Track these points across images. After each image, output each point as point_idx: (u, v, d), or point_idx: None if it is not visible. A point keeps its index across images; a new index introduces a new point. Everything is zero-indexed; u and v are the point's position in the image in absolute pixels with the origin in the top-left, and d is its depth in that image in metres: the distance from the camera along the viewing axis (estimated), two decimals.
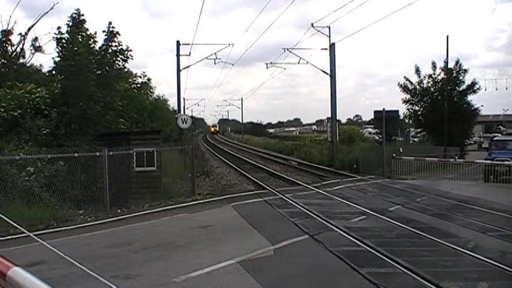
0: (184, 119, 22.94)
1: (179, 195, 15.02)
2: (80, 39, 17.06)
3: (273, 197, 15.21)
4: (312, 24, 27.75)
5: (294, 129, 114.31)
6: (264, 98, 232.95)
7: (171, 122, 28.94)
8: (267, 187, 17.73)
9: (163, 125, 27.31)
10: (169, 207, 13.45)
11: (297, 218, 11.38)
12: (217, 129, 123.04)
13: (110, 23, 18.04)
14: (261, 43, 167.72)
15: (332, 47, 28.36)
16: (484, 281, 6.70)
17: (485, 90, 35.68)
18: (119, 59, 18.28)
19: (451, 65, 32.31)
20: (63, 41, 17.06)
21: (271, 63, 33.22)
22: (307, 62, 30.43)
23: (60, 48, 17.16)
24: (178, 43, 28.76)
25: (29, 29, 21.68)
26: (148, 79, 23.05)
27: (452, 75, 32.77)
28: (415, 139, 39.81)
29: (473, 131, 39.86)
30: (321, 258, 7.89)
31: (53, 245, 3.55)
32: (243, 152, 44.94)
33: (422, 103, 33.91)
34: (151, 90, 31.47)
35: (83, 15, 18.12)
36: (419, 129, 37.83)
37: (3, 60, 20.37)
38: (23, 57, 22.18)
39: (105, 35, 17.92)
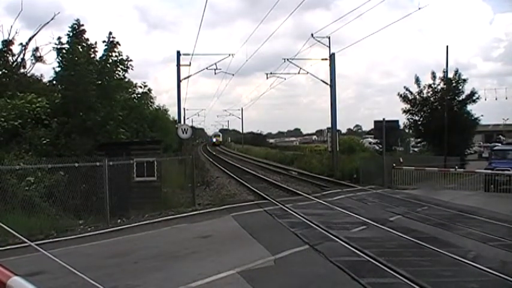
0: (184, 129, 22.90)
1: (179, 205, 14.99)
2: (80, 50, 17.13)
3: (273, 207, 15.18)
4: (312, 35, 27.93)
5: (294, 139, 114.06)
6: (264, 108, 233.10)
7: (172, 132, 28.90)
8: (267, 197, 17.72)
9: (163, 135, 27.29)
10: (169, 217, 13.46)
11: (297, 228, 11.36)
12: (220, 139, 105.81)
13: (110, 33, 18.15)
14: (261, 53, 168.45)
15: (332, 57, 28.46)
16: None
17: (485, 99, 35.77)
18: (119, 69, 18.33)
19: (450, 74, 32.42)
20: (64, 51, 17.13)
21: (271, 73, 33.31)
22: (307, 72, 30.62)
23: (60, 59, 17.23)
24: (178, 53, 28.86)
25: (30, 39, 21.85)
26: (149, 89, 23.05)
27: (452, 85, 32.86)
28: (415, 149, 39.72)
29: (473, 140, 39.85)
30: (321, 269, 7.86)
31: (52, 255, 3.54)
32: (243, 162, 44.92)
33: (422, 113, 33.98)
34: (151, 101, 31.50)
35: (82, 25, 18.28)
36: (419, 139, 37.83)
37: (4, 70, 20.47)
38: (24, 67, 22.33)
39: (105, 45, 17.99)
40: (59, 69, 17.50)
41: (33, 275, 6.53)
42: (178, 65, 28.96)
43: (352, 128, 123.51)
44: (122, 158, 13.84)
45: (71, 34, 17.85)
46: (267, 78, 34.00)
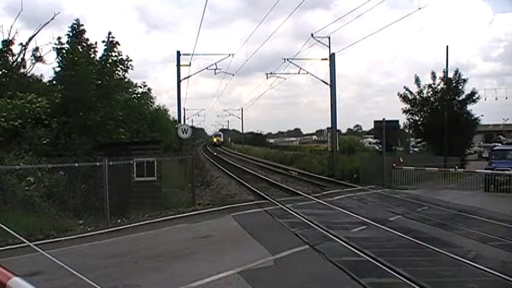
0: (184, 129, 22.90)
1: (179, 205, 14.97)
2: (80, 50, 17.12)
3: (273, 207, 15.18)
4: (312, 35, 27.88)
5: (294, 139, 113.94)
6: (264, 108, 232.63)
7: (172, 132, 28.90)
8: (267, 197, 17.72)
9: (163, 135, 27.26)
10: (169, 217, 13.45)
11: (297, 228, 11.36)
12: (221, 139, 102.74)
13: (110, 33, 18.12)
14: (261, 53, 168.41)
15: (332, 57, 28.44)
16: None
17: (485, 99, 35.57)
18: (119, 69, 18.32)
19: (450, 74, 32.42)
20: (64, 51, 17.12)
21: (271, 73, 33.27)
22: (307, 72, 30.58)
23: (60, 59, 17.21)
24: (178, 53, 28.83)
25: (30, 39, 21.86)
26: (149, 89, 23.04)
27: (452, 85, 32.86)
28: (415, 149, 39.74)
29: (473, 140, 39.81)
30: (321, 269, 7.86)
31: (52, 255, 3.55)
32: (243, 162, 44.95)
33: (422, 113, 33.95)
34: (151, 101, 31.52)
35: (82, 25, 18.25)
36: (419, 139, 37.83)
37: (4, 70, 20.46)
38: (24, 67, 22.33)
39: (105, 45, 17.98)
40: (59, 69, 17.47)
41: (32, 275, 6.53)
42: (178, 65, 28.94)
43: (352, 128, 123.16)
44: (121, 158, 13.81)
45: (71, 34, 17.83)
46: (267, 78, 34.01)
